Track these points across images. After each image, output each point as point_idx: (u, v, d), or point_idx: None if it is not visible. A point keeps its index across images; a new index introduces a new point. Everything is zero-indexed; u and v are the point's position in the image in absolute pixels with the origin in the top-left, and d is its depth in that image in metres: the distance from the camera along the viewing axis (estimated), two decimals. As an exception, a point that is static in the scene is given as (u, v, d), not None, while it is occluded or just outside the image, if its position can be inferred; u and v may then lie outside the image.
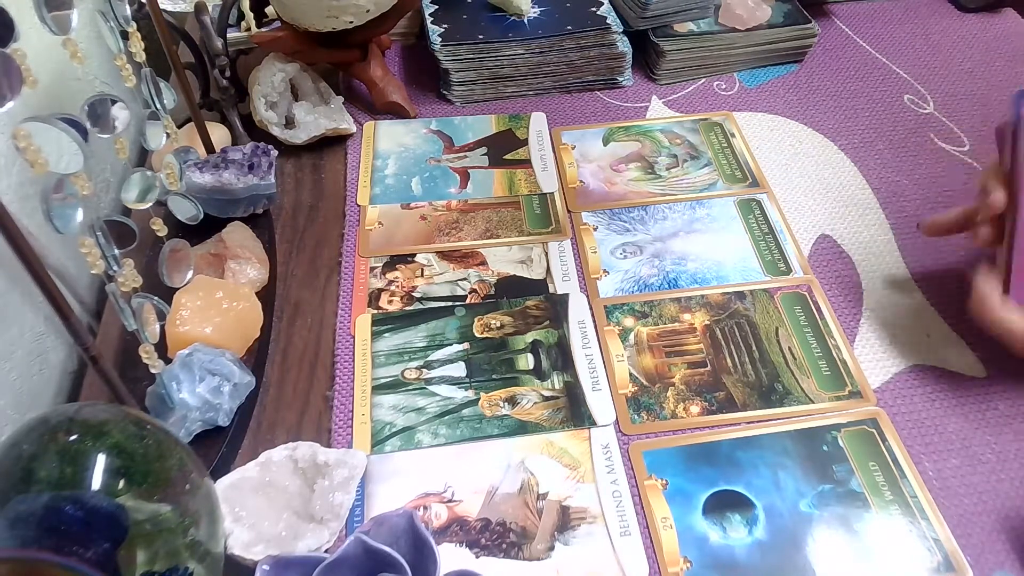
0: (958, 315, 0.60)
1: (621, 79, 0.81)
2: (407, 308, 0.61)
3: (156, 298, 0.51)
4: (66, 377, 0.60)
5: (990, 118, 0.77)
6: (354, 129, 0.75)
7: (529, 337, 0.59)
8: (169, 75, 0.61)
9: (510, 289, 0.62)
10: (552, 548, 0.48)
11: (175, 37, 0.66)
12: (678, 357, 0.58)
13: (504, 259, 0.65)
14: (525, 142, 0.75)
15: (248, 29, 0.75)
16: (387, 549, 0.41)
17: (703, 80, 0.82)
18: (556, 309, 0.61)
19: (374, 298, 0.62)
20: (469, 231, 0.67)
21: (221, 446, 0.51)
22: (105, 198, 0.70)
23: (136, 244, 0.49)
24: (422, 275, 0.63)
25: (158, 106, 0.54)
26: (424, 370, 0.57)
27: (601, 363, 0.57)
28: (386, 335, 0.59)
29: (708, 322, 0.60)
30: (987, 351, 0.58)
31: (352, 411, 0.55)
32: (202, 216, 0.60)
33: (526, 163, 0.73)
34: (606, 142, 0.75)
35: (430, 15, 0.80)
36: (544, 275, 0.63)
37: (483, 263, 0.64)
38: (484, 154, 0.74)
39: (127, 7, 0.51)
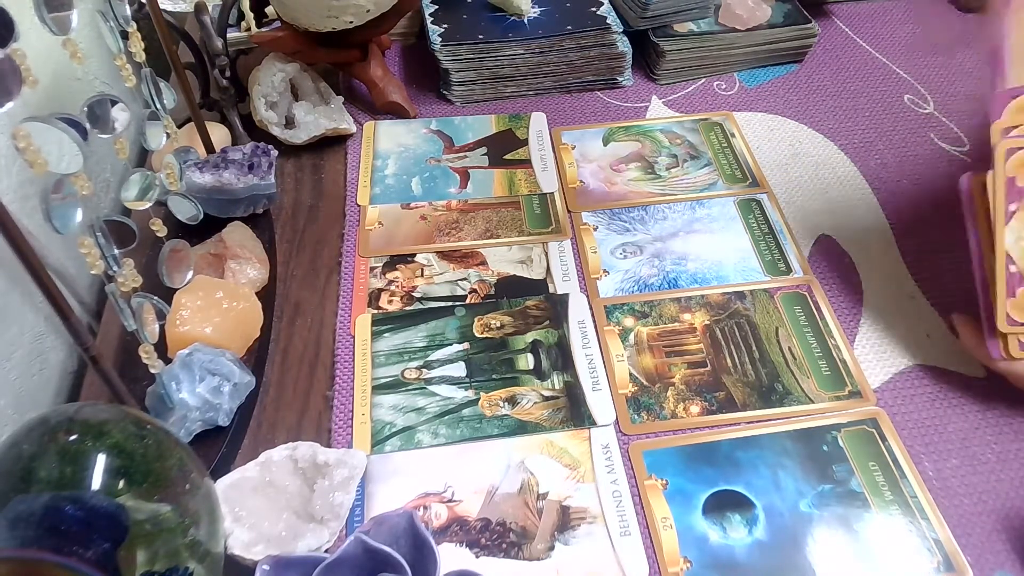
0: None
1: (621, 79, 0.81)
2: (407, 308, 0.61)
3: (156, 298, 0.51)
4: (66, 377, 0.60)
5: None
6: (354, 129, 0.75)
7: (529, 337, 0.59)
8: (169, 75, 0.61)
9: (510, 289, 0.62)
10: (552, 548, 0.48)
11: (175, 37, 0.66)
12: (678, 357, 0.58)
13: (504, 259, 0.65)
14: (525, 142, 0.75)
15: (248, 29, 0.75)
16: (387, 549, 0.41)
17: (703, 80, 0.82)
18: (556, 309, 0.61)
19: (374, 298, 0.62)
20: (469, 231, 0.67)
21: (221, 446, 0.51)
22: (105, 198, 0.70)
23: (136, 244, 0.49)
24: (422, 275, 0.63)
25: (158, 106, 0.54)
26: (424, 370, 0.57)
27: (601, 363, 0.57)
28: (386, 335, 0.59)
29: (708, 322, 0.60)
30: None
31: (352, 411, 0.55)
32: (202, 216, 0.60)
33: (526, 163, 0.73)
34: (606, 142, 0.75)
35: (430, 15, 0.80)
36: (544, 275, 0.63)
37: (483, 263, 0.64)
38: (484, 154, 0.74)
39: (127, 7, 0.51)
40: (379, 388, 0.56)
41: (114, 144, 0.47)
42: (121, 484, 0.37)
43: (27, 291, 0.55)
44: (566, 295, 0.62)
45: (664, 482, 0.51)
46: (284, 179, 0.71)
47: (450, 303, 0.61)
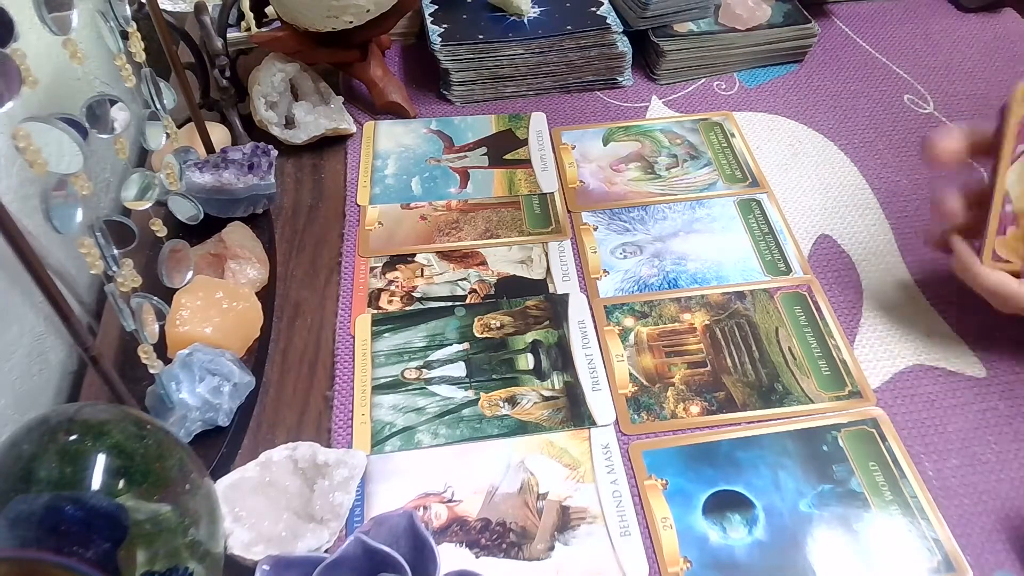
0: (958, 315, 0.60)
1: (621, 79, 0.81)
2: (407, 308, 0.61)
3: (156, 298, 0.51)
4: (66, 377, 0.60)
5: (990, 118, 0.77)
6: (354, 129, 0.75)
7: (529, 337, 0.59)
8: (169, 75, 0.61)
9: (510, 289, 0.62)
10: (552, 548, 0.48)
11: (175, 37, 0.66)
12: (678, 357, 0.58)
13: (504, 259, 0.65)
14: (525, 142, 0.75)
15: (248, 29, 0.75)
16: (387, 549, 0.41)
17: (703, 80, 0.82)
18: (556, 309, 0.61)
19: (374, 298, 0.62)
20: (469, 231, 0.67)
21: (221, 446, 0.51)
22: (105, 198, 0.70)
23: (136, 244, 0.49)
24: (422, 275, 0.63)
25: (158, 106, 0.54)
26: (424, 370, 0.57)
27: (601, 363, 0.57)
28: (386, 335, 0.59)
29: (708, 322, 0.60)
30: (987, 351, 0.58)
31: (352, 411, 0.55)
32: (202, 216, 0.60)
33: (526, 163, 0.73)
34: (606, 142, 0.75)
35: (430, 15, 0.80)
36: (544, 275, 0.63)
37: (483, 263, 0.64)
38: (484, 154, 0.74)
39: (127, 7, 0.51)
40: (379, 388, 0.56)
41: (114, 144, 0.47)
42: (121, 484, 0.37)
43: (27, 291, 0.55)
44: (566, 295, 0.62)
45: (664, 482, 0.51)
46: (284, 179, 0.71)
47: (450, 303, 0.61)
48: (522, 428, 0.54)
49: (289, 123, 0.73)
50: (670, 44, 0.79)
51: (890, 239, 0.66)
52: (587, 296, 0.62)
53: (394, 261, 0.64)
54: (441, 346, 0.58)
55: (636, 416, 0.54)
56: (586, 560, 0.47)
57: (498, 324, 0.60)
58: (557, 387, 0.56)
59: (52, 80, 0.60)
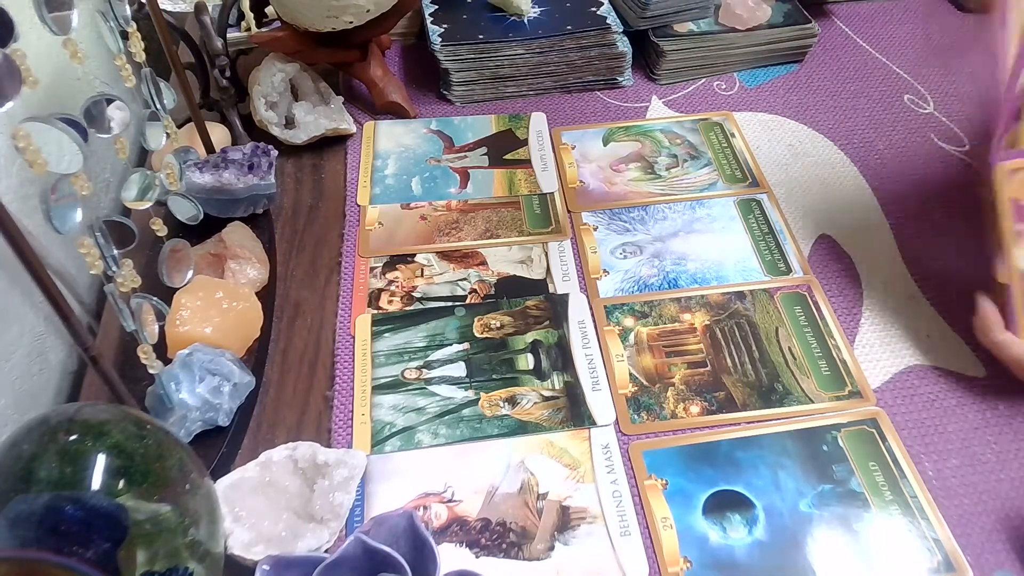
0: (958, 315, 0.60)
1: (621, 79, 0.81)
2: (407, 308, 0.61)
3: (155, 298, 0.51)
4: (66, 377, 0.60)
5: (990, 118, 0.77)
6: (354, 129, 0.75)
7: (529, 337, 0.59)
8: (169, 75, 0.61)
9: (510, 289, 0.62)
10: (552, 548, 0.48)
11: (175, 37, 0.66)
12: (678, 357, 0.58)
13: (504, 259, 0.65)
14: (525, 142, 0.75)
15: (248, 29, 0.75)
16: (387, 549, 0.41)
17: (703, 80, 0.82)
18: (556, 309, 0.61)
19: (374, 298, 0.62)
20: (469, 231, 0.67)
21: (221, 446, 0.51)
22: (105, 198, 0.70)
23: (136, 244, 0.49)
24: (422, 275, 0.63)
25: (158, 106, 0.54)
26: (424, 370, 0.57)
27: (601, 363, 0.57)
28: (386, 335, 0.59)
29: (708, 322, 0.60)
30: (987, 351, 0.58)
31: (352, 411, 0.55)
32: (202, 216, 0.60)
33: (526, 163, 0.73)
34: (606, 142, 0.75)
35: (430, 15, 0.80)
36: (544, 275, 0.63)
37: (483, 263, 0.64)
38: (484, 154, 0.74)
39: (127, 7, 0.51)
40: (379, 388, 0.56)
41: (114, 144, 0.47)
42: (121, 484, 0.37)
43: (27, 291, 0.55)
44: (566, 295, 0.62)
45: (664, 482, 0.51)
46: (284, 179, 0.71)
47: (450, 303, 0.61)
48: (522, 428, 0.54)
49: (289, 123, 0.73)
50: (670, 44, 0.79)
51: (890, 239, 0.66)
52: (587, 296, 0.62)
53: (394, 261, 0.64)
54: (441, 346, 0.58)
55: (636, 416, 0.54)
56: (586, 560, 0.47)
57: (498, 324, 0.60)
58: (557, 387, 0.56)
59: (52, 80, 0.60)
